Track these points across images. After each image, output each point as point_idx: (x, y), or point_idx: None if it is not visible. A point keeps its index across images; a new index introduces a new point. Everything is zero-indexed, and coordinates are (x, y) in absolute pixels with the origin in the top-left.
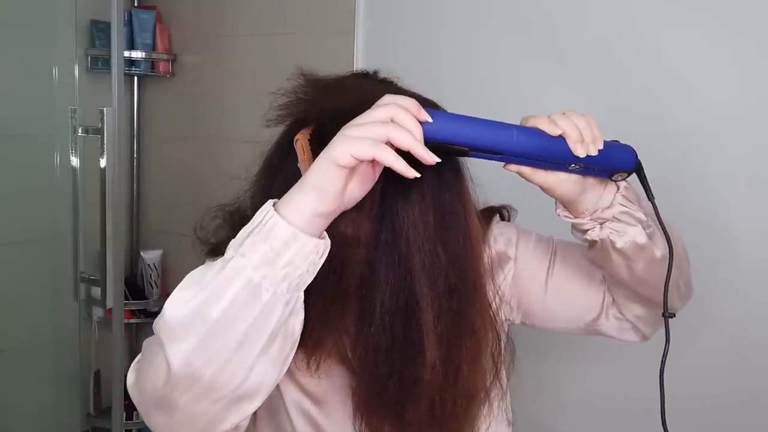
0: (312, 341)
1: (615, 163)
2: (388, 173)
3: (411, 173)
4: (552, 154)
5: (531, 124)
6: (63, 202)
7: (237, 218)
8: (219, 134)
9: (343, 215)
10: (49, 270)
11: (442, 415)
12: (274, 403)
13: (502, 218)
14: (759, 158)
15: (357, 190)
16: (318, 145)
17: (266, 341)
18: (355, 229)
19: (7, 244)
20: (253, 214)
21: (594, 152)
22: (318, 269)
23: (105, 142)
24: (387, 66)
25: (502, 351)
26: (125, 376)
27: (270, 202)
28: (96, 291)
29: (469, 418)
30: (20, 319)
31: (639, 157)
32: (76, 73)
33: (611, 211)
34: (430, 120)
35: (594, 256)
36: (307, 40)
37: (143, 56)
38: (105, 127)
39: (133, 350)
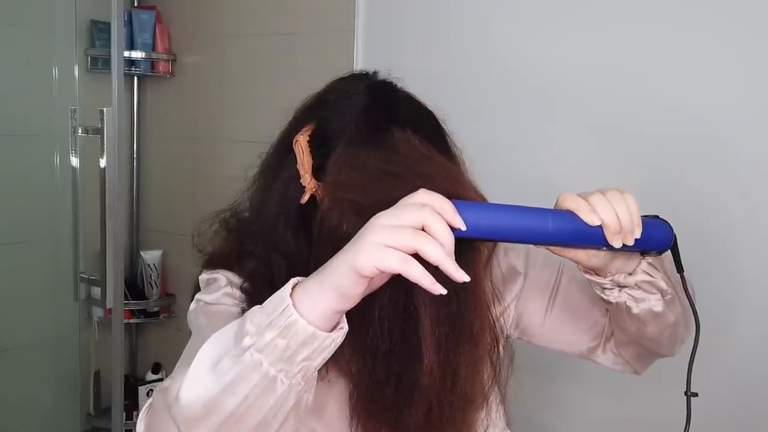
0: None
1: (650, 244)
2: (386, 174)
3: (437, 289)
4: (586, 241)
5: (568, 206)
6: (63, 202)
7: (233, 222)
8: (219, 134)
9: (343, 216)
10: (49, 270)
11: (439, 420)
12: None
13: None
14: None
15: (377, 282)
16: (317, 145)
17: (280, 424)
18: (356, 230)
19: (8, 244)
20: (251, 215)
21: (631, 242)
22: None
23: (105, 142)
24: (387, 66)
25: (501, 356)
26: (125, 377)
27: (288, 288)
28: (96, 291)
29: (467, 423)
30: (20, 319)
31: (675, 232)
32: (76, 73)
33: (633, 279)
34: (463, 228)
35: (608, 308)
36: (307, 40)
37: (143, 56)
38: (105, 127)
39: (133, 350)
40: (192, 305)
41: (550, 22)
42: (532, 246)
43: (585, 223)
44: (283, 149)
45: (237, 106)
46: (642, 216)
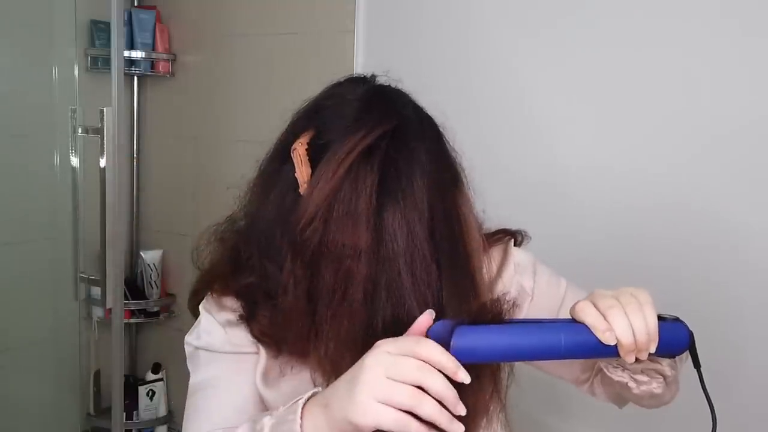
0: (328, 356)
1: (664, 350)
2: (381, 182)
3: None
4: (599, 356)
5: (584, 320)
6: (63, 202)
7: (229, 234)
8: (219, 134)
9: (342, 228)
10: (49, 270)
11: None
12: None
13: (516, 243)
14: None
15: None
16: (316, 154)
17: None
18: (355, 241)
19: (7, 244)
20: (247, 224)
21: (644, 358)
22: None
23: (105, 142)
24: (387, 66)
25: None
26: (125, 377)
27: (300, 404)
28: (96, 291)
29: None
30: (20, 319)
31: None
32: (76, 72)
33: (640, 366)
34: (467, 381)
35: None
36: (307, 40)
37: (143, 56)
38: (105, 127)
39: (133, 350)
40: (186, 347)
41: (551, 23)
42: (539, 266)
43: (599, 340)
44: (281, 157)
45: (237, 105)
46: (659, 316)
